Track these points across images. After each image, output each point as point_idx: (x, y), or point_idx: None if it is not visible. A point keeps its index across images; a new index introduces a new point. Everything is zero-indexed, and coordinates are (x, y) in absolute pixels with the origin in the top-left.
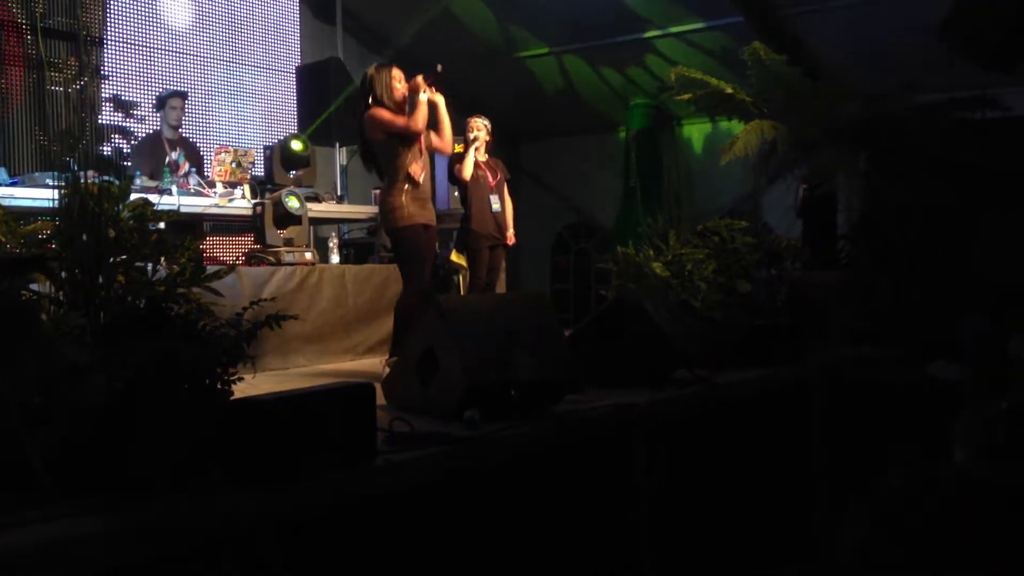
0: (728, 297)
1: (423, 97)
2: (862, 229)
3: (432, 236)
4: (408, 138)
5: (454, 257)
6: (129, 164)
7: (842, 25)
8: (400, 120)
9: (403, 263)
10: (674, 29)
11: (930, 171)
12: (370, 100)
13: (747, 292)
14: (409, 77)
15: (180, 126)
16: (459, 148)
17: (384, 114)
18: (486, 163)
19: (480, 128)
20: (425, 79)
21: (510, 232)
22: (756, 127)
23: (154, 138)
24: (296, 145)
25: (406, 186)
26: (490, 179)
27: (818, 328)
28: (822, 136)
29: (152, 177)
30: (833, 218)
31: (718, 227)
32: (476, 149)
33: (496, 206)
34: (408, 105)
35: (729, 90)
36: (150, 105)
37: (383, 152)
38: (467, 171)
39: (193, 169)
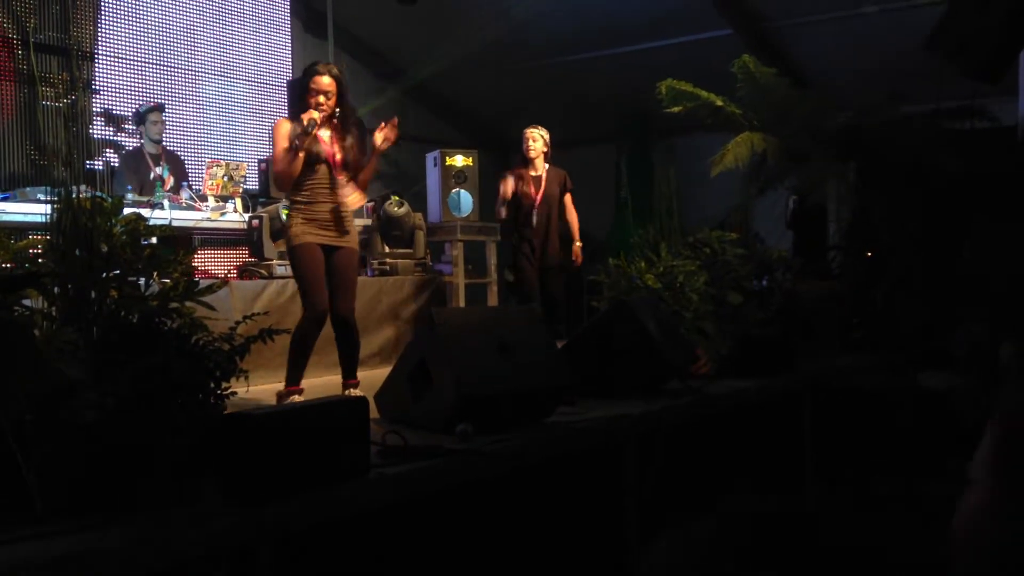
0: (720, 308)
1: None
2: (853, 238)
3: (340, 257)
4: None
5: (507, 276)
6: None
7: (830, 37)
8: (279, 150)
9: (297, 284)
10: (665, 41)
11: (918, 180)
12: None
13: (738, 303)
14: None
15: (162, 139)
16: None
17: (280, 130)
18: (534, 178)
19: (536, 139)
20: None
21: (575, 245)
22: (746, 139)
23: (136, 154)
24: None
25: (297, 205)
26: (533, 194)
27: (809, 338)
28: (811, 146)
29: (140, 193)
30: (823, 229)
31: (709, 239)
32: (529, 167)
33: (535, 221)
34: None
35: (719, 102)
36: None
37: None
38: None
39: (185, 183)
